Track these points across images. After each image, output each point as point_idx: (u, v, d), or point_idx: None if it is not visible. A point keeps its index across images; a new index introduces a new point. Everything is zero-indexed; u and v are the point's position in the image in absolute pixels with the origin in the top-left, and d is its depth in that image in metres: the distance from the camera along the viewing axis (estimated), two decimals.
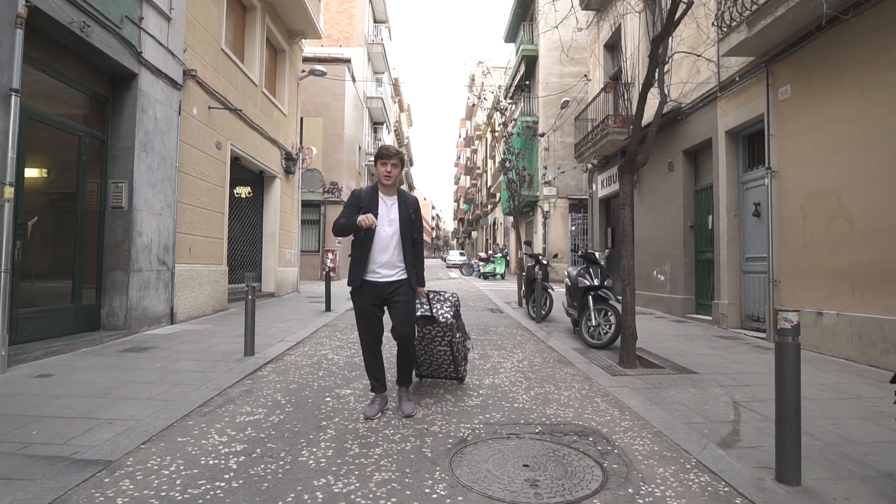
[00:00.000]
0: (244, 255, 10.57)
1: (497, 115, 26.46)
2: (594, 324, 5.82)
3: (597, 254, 6.39)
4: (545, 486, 2.35)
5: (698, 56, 6.62)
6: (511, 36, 25.03)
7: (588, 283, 6.02)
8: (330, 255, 18.79)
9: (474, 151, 51.10)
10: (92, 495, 2.20)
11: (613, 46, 12.29)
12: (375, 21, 27.94)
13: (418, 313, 3.70)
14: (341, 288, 12.56)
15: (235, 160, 9.36)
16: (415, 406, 3.42)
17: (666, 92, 5.51)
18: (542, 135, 19.00)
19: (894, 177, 4.73)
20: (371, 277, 3.33)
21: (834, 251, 5.46)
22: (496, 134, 26.71)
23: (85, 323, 5.67)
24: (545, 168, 20.35)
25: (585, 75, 14.26)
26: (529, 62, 21.57)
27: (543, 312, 8.01)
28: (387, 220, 3.37)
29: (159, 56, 6.49)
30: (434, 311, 3.79)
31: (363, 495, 2.22)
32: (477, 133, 43.64)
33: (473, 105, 48.70)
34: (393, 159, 3.38)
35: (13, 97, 4.24)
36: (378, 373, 3.42)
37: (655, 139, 5.31)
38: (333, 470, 2.49)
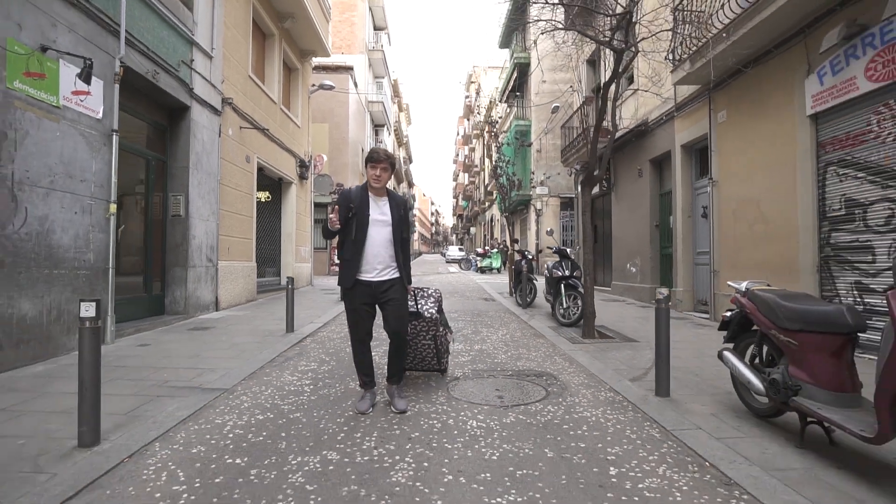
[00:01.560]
0: (266, 253, 11.92)
1: (488, 126, 27.81)
2: (565, 306, 7.19)
3: (568, 250, 7.76)
4: (508, 397, 3.74)
5: (646, 91, 7.98)
6: (505, 43, 26.29)
7: (560, 274, 7.39)
8: (338, 251, 20.13)
9: (472, 150, 52.29)
10: (227, 403, 3.57)
11: (594, 62, 13.60)
12: (375, 28, 29.19)
13: (411, 309, 3.84)
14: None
15: (260, 170, 10.70)
16: (407, 403, 3.46)
17: (618, 122, 6.86)
18: (530, 144, 20.32)
19: (793, 192, 6.08)
20: (364, 277, 3.35)
21: (755, 247, 6.83)
22: (489, 140, 28.02)
23: (153, 309, 7.04)
24: (534, 171, 21.65)
25: (571, 86, 15.58)
26: (522, 69, 22.85)
27: (529, 300, 9.39)
28: (379, 222, 3.40)
29: (205, 89, 7.82)
30: (419, 307, 3.90)
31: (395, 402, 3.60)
32: (475, 132, 44.87)
33: (471, 105, 50.02)
34: (383, 163, 3.40)
35: (114, 136, 5.59)
36: (368, 370, 3.52)
37: (633, 145, 6.64)
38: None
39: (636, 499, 2.25)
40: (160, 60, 6.54)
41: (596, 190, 12.77)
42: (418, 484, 2.38)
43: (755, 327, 3.25)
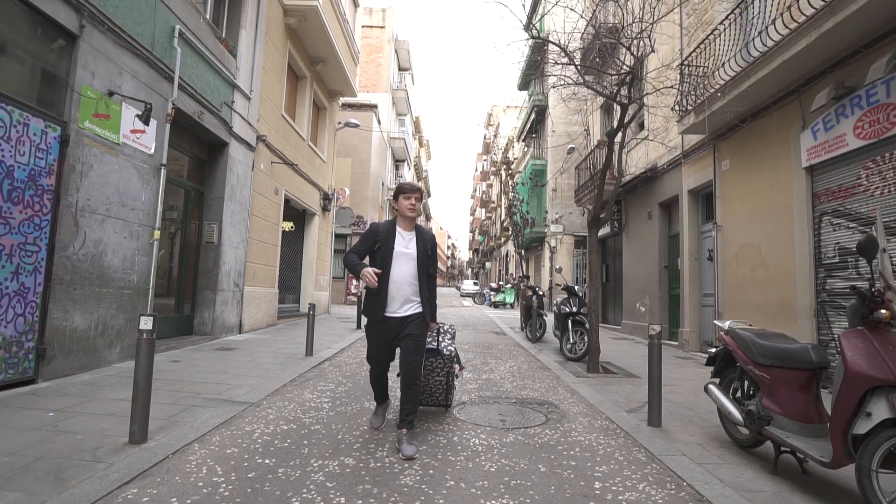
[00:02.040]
0: (287, 280, 12.42)
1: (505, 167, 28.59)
2: (572, 341, 7.47)
3: (576, 287, 8.09)
4: (509, 421, 4.05)
5: (652, 140, 8.43)
6: (524, 86, 27.21)
7: (568, 310, 7.70)
8: (355, 282, 20.65)
9: (490, 186, 53.15)
10: (254, 414, 3.95)
11: (609, 108, 14.19)
12: (400, 69, 30.54)
13: (431, 346, 3.96)
14: (353, 310, 14.32)
15: (286, 202, 11.32)
16: (416, 450, 3.17)
17: (628, 166, 7.28)
18: (544, 185, 20.86)
19: (791, 239, 6.39)
20: (387, 312, 3.39)
21: (756, 290, 7.08)
22: (505, 179, 28.77)
23: (183, 328, 7.51)
24: (549, 210, 22.13)
25: (586, 129, 16.16)
26: (539, 111, 23.63)
27: (538, 335, 9.66)
28: (404, 256, 3.42)
29: (242, 127, 8.50)
30: (439, 344, 3.98)
31: None
32: (492, 169, 45.78)
33: (489, 143, 51.23)
34: (416, 193, 3.51)
35: (163, 169, 6.18)
36: (383, 388, 3.74)
37: (643, 189, 7.03)
38: (392, 408, 4.20)
39: (591, 490, 2.56)
40: (205, 102, 7.22)
41: (607, 230, 13.16)
42: (424, 486, 2.71)
43: (738, 363, 3.55)
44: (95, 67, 5.06)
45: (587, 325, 7.44)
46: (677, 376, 6.40)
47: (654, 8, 6.60)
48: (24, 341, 4.36)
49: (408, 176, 35.27)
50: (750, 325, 3.59)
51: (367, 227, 3.59)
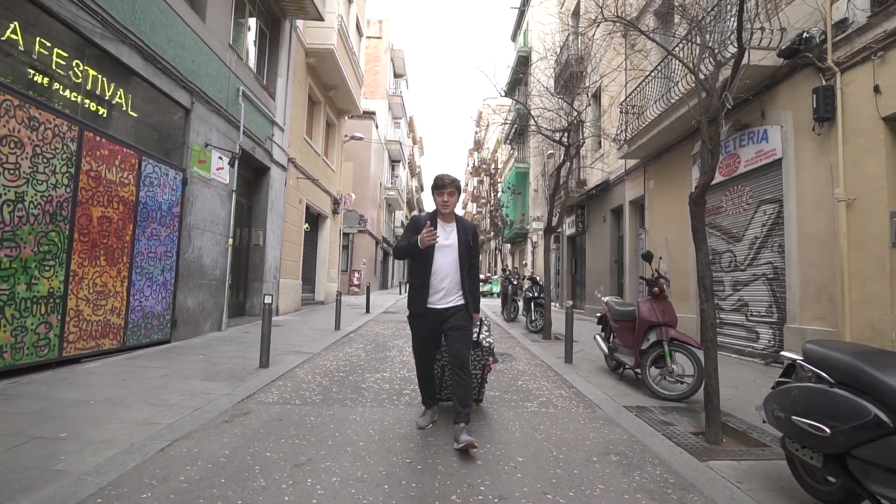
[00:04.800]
0: (305, 273, 14.78)
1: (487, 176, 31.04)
2: (533, 318, 9.93)
3: (537, 277, 10.55)
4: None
5: (592, 167, 10.87)
6: (510, 92, 29.55)
7: (531, 295, 10.16)
8: (356, 274, 23.04)
9: (480, 182, 55.39)
10: (318, 359, 6.37)
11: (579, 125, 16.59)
12: (395, 76, 32.72)
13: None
14: (362, 299, 16.75)
15: (307, 208, 13.65)
16: (473, 438, 3.07)
17: (584, 179, 9.69)
18: (520, 193, 23.31)
19: (687, 242, 8.85)
20: (430, 304, 3.38)
21: (672, 279, 9.56)
22: (489, 189, 31.19)
23: (238, 311, 9.89)
24: (531, 209, 24.56)
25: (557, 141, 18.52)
26: (523, 117, 26.00)
27: (512, 316, 12.12)
28: (445, 247, 3.39)
29: (278, 153, 10.84)
30: (480, 336, 3.93)
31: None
32: (483, 167, 48.06)
33: (480, 140, 53.51)
34: (449, 188, 3.42)
35: (233, 194, 8.53)
36: (430, 390, 3.68)
37: (599, 197, 9.46)
38: (403, 360, 6.63)
39: (527, 391, 4.99)
40: (256, 139, 9.55)
41: (574, 230, 15.64)
42: None
43: (609, 321, 6.01)
44: (198, 128, 7.40)
45: (544, 307, 9.93)
46: None
47: (601, 61, 9.06)
48: (165, 315, 6.74)
49: (401, 173, 37.55)
50: (618, 300, 6.05)
51: (409, 219, 3.80)
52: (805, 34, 5.91)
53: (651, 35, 5.23)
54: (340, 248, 17.67)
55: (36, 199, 4.55)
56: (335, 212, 16.50)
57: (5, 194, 4.23)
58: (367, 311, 13.23)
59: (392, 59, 31.04)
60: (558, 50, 13.38)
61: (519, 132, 27.15)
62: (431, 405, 3.74)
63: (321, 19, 11.30)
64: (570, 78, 13.08)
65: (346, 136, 17.45)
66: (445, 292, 3.41)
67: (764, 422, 2.69)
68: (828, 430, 2.15)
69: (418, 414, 3.85)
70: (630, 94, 10.39)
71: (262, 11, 10.20)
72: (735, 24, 3.96)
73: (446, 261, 3.42)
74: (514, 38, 30.23)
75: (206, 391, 4.38)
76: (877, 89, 5.11)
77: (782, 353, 2.82)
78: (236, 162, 7.74)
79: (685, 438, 3.58)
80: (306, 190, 13.18)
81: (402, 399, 4.45)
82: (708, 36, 4.99)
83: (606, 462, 3.07)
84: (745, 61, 6.16)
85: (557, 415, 4.13)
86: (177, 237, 6.92)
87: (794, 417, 2.35)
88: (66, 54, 4.98)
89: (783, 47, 6.26)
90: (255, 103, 9.44)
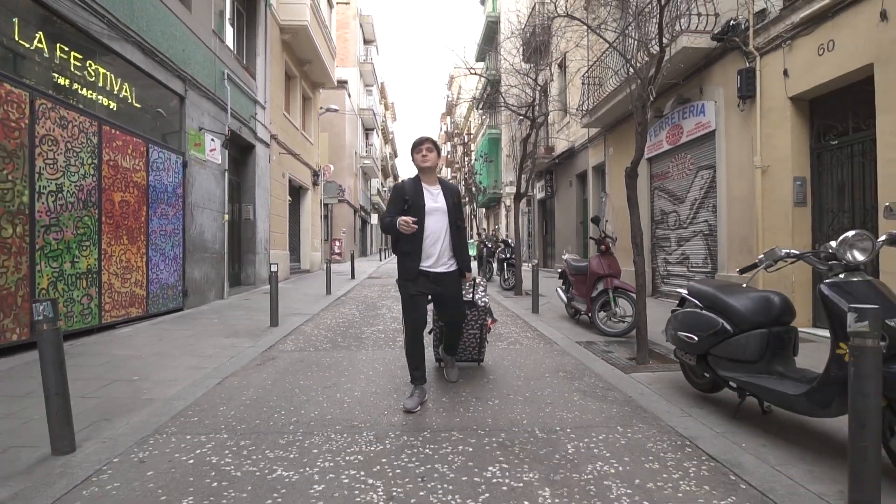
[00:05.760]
0: (291, 244, 15.49)
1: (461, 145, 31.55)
2: (506, 277, 10.98)
3: (510, 239, 11.55)
4: None
5: (557, 137, 11.74)
6: (480, 58, 29.84)
7: (503, 257, 11.18)
8: (337, 243, 23.74)
9: (454, 146, 55.66)
10: (318, 318, 7.29)
11: (546, 91, 17.34)
12: (365, 42, 32.53)
13: (466, 298, 3.90)
14: (346, 266, 17.60)
15: (289, 181, 14.25)
16: (458, 373, 3.70)
17: (552, 146, 10.59)
18: (492, 160, 24.08)
19: (641, 204, 9.90)
20: (423, 267, 3.35)
21: (623, 238, 10.66)
22: (461, 157, 31.73)
23: (235, 280, 10.66)
24: (504, 174, 25.41)
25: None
26: (494, 83, 26.49)
27: (488, 276, 13.17)
28: (435, 210, 3.38)
29: (262, 131, 11.39)
30: (474, 296, 3.98)
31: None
32: (455, 131, 48.32)
33: (452, 103, 53.50)
34: (426, 144, 3.43)
35: (226, 173, 9.18)
36: (419, 363, 3.40)
37: (566, 163, 10.40)
38: (393, 316, 7.59)
39: (499, 335, 6.01)
40: (241, 119, 10.11)
41: (542, 195, 16.63)
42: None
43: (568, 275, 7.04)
44: (192, 114, 7.98)
45: (515, 267, 10.98)
46: None
47: (564, 34, 9.81)
48: (177, 286, 7.51)
49: (375, 140, 37.76)
50: (576, 257, 7.07)
51: (392, 188, 3.57)
52: (732, 21, 6.81)
53: (595, 29, 6.03)
54: (322, 218, 18.33)
55: (71, 189, 5.24)
56: (315, 183, 17.09)
57: (48, 186, 4.92)
58: (353, 276, 14.11)
59: (361, 25, 30.83)
60: (524, 23, 13.98)
61: (489, 103, 27.71)
62: (420, 382, 3.41)
63: None
64: (535, 50, 13.77)
65: (321, 108, 17.85)
66: (438, 256, 3.39)
67: (666, 341, 3.73)
68: (696, 338, 3.19)
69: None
70: (591, 67, 11.20)
71: None
72: (670, 20, 4.82)
73: (437, 225, 3.39)
74: (482, 1, 30.31)
75: (232, 345, 5.27)
76: (786, 73, 6.08)
77: (677, 289, 3.83)
78: (227, 141, 8.37)
79: (619, 361, 4.65)
80: (288, 164, 13.75)
81: (397, 344, 5.42)
82: (644, 28, 5.84)
83: (555, 377, 4.11)
84: (681, 45, 7.07)
85: (522, 350, 5.17)
86: (181, 216, 7.62)
87: (679, 333, 3.38)
88: (80, 56, 5.56)
89: (716, 32, 7.15)
90: (239, 85, 9.95)
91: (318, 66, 15.54)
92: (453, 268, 3.48)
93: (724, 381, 3.16)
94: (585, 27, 6.93)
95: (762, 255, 2.93)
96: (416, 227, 3.22)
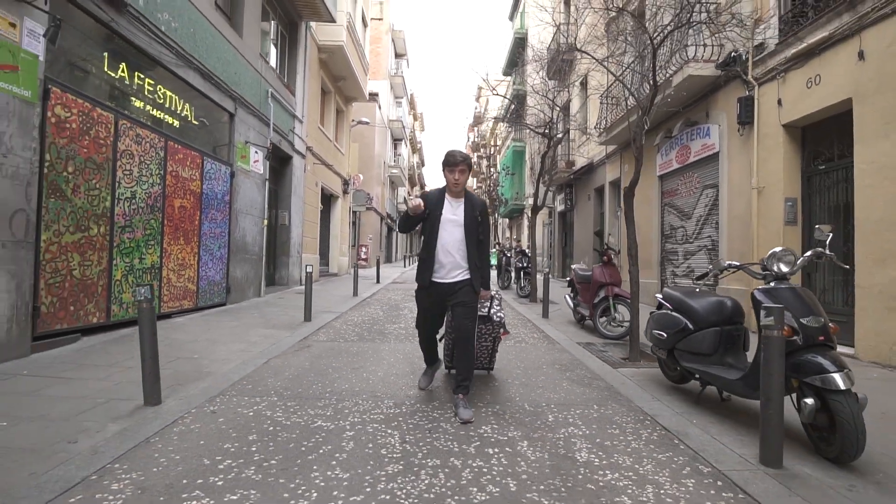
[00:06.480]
0: (320, 249, 16.39)
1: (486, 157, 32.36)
2: (521, 285, 11.58)
3: (526, 249, 12.15)
4: None
5: (586, 143, 12.32)
6: (507, 72, 30.62)
7: (521, 266, 11.78)
8: (363, 249, 24.65)
9: (480, 157, 56.46)
10: (346, 316, 8.04)
11: (568, 108, 17.94)
12: (396, 56, 33.68)
13: (482, 313, 3.88)
14: (372, 271, 18.42)
15: (321, 190, 15.17)
16: (472, 413, 3.23)
17: (573, 161, 11.19)
18: (514, 174, 24.71)
19: (651, 219, 10.40)
20: (435, 278, 3.42)
21: (644, 249, 11.15)
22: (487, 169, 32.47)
23: (270, 281, 11.55)
24: (527, 186, 25.97)
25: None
26: (520, 97, 27.18)
27: (506, 284, 13.77)
28: (451, 223, 3.43)
29: (299, 143, 12.32)
30: (490, 310, 4.00)
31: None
32: (482, 142, 49.10)
33: (479, 115, 54.41)
34: (460, 166, 3.44)
35: (266, 182, 10.08)
36: (432, 355, 3.86)
37: (585, 177, 11.03)
38: (414, 316, 8.29)
39: (511, 333, 6.64)
40: (281, 132, 11.03)
41: (563, 207, 17.17)
42: None
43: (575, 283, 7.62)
44: (240, 129, 8.90)
45: (531, 275, 11.58)
46: None
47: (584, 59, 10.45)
48: (222, 283, 8.38)
49: (403, 150, 38.82)
50: (584, 266, 7.66)
51: (419, 195, 3.69)
52: (734, 53, 7.35)
53: (602, 61, 6.66)
54: (350, 224, 19.24)
55: (142, 196, 6.13)
56: (345, 192, 18.01)
57: (125, 194, 5.81)
58: (378, 281, 14.90)
59: (393, 40, 31.97)
60: (545, 46, 14.65)
61: (516, 110, 28.40)
62: (432, 364, 3.94)
63: (333, 21, 12.62)
64: (558, 69, 14.42)
65: (353, 120, 18.82)
66: (450, 267, 3.43)
67: (646, 338, 4.32)
68: (665, 334, 3.78)
69: None
70: (609, 86, 11.77)
71: (282, 17, 11.54)
72: (676, 47, 5.42)
73: (451, 236, 3.43)
74: (511, 17, 31.13)
75: (272, 335, 6.04)
76: (780, 102, 6.59)
77: (656, 294, 4.41)
78: (270, 153, 9.26)
79: (611, 359, 5.24)
80: (321, 174, 14.68)
81: (416, 339, 6.08)
82: (646, 63, 6.44)
83: (551, 368, 4.73)
84: (687, 73, 7.64)
85: (526, 347, 5.80)
86: (228, 220, 8.51)
87: (653, 331, 3.98)
88: (152, 81, 6.48)
89: (720, 61, 7.69)
90: (281, 101, 10.88)
91: (351, 81, 16.50)
92: (465, 277, 3.44)
93: (687, 372, 3.74)
94: (601, 52, 7.58)
95: (711, 265, 3.51)
96: (422, 206, 3.42)
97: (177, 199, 6.92)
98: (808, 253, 3.10)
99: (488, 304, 3.95)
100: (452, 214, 3.48)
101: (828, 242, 3.09)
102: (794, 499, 2.29)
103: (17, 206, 4.29)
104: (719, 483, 2.45)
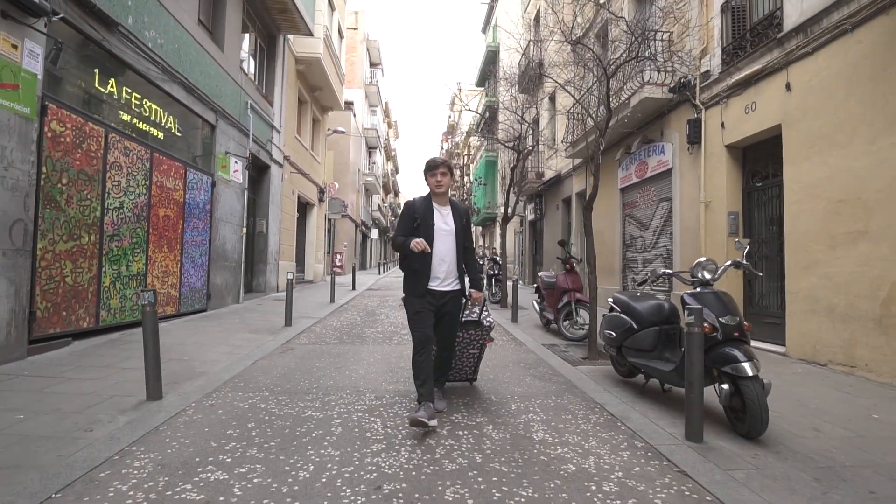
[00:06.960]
0: (297, 256, 16.60)
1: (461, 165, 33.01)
2: (493, 292, 12.10)
3: (498, 258, 12.70)
4: None
5: (542, 172, 12.98)
6: (481, 83, 31.37)
7: (493, 273, 12.31)
8: (338, 256, 24.81)
9: (454, 167, 57.04)
10: (325, 321, 8.39)
11: (537, 121, 18.66)
12: (371, 65, 34.08)
13: (472, 318, 3.96)
14: (347, 278, 18.69)
15: (298, 198, 15.42)
16: (445, 403, 3.64)
17: (542, 172, 11.78)
18: (485, 184, 25.39)
19: (613, 229, 11.07)
20: (431, 286, 3.46)
21: (601, 258, 11.82)
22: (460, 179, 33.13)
23: (248, 288, 11.75)
24: (491, 199, 26.65)
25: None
26: (493, 110, 27.92)
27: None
28: (444, 232, 3.49)
29: (276, 153, 12.60)
30: (480, 315, 3.99)
31: (404, 324, 8.43)
32: (455, 152, 49.82)
33: (453, 124, 55.18)
34: (441, 168, 3.50)
35: (245, 192, 10.35)
36: (426, 378, 3.31)
37: (554, 188, 11.61)
38: (390, 321, 8.69)
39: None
40: (260, 142, 11.31)
41: (533, 216, 17.82)
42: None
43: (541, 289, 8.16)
44: (221, 140, 9.18)
45: (502, 281, 12.12)
46: None
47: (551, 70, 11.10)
48: (203, 290, 8.62)
49: (377, 158, 39.15)
50: (549, 273, 8.21)
51: (403, 205, 3.61)
52: (683, 79, 8.05)
53: (564, 86, 7.25)
54: (325, 231, 19.48)
55: (129, 205, 6.39)
56: (321, 200, 18.27)
57: (114, 203, 6.07)
58: (354, 287, 15.21)
59: (368, 50, 32.37)
60: (517, 63, 15.31)
61: (489, 122, 29.12)
62: (427, 399, 3.27)
63: (311, 34, 12.99)
64: (528, 85, 15.09)
65: (329, 129, 19.13)
66: (444, 276, 3.49)
67: (600, 337, 4.84)
68: (614, 334, 4.31)
69: (407, 366, 4.73)
70: (573, 105, 12.45)
71: (261, 30, 11.85)
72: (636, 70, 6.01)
73: (446, 246, 3.49)
74: (484, 30, 31.97)
75: (256, 339, 6.37)
76: (723, 125, 7.30)
77: (608, 298, 4.95)
78: (249, 164, 9.55)
79: (571, 358, 5.76)
80: (298, 182, 14.95)
81: (393, 341, 6.52)
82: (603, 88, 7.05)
83: (517, 367, 5.22)
84: (644, 95, 8.30)
85: (495, 349, 6.27)
86: (209, 229, 8.76)
87: (605, 331, 4.51)
88: (139, 95, 6.76)
89: (672, 85, 8.39)
90: (260, 112, 11.18)
91: (327, 91, 16.83)
92: (457, 287, 3.57)
93: (634, 367, 4.27)
94: (567, 74, 8.20)
95: (649, 272, 4.06)
96: (428, 249, 3.33)
97: (161, 209, 7.18)
98: (728, 263, 3.67)
99: (478, 308, 3.95)
100: (444, 224, 3.54)
101: (744, 254, 3.67)
102: (708, 465, 2.81)
103: (17, 217, 4.56)
104: (649, 454, 2.96)
